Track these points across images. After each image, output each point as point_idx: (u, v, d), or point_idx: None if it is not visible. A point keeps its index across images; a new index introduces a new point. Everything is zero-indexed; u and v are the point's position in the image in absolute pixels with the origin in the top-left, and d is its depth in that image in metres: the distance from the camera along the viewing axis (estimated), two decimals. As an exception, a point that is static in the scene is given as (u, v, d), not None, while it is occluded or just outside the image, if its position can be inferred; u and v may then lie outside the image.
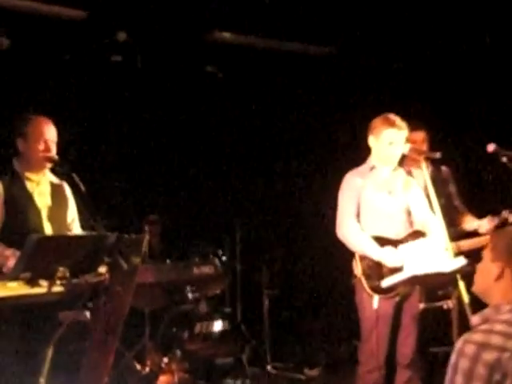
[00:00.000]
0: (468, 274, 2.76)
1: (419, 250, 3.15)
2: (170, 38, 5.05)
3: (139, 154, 5.42)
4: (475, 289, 1.84)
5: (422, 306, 3.30)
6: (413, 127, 3.79)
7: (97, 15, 4.59)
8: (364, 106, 4.79)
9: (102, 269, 2.64)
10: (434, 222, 3.28)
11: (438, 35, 4.88)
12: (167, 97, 5.46)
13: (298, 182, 5.72)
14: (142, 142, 5.44)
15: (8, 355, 2.65)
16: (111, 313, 2.68)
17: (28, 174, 2.87)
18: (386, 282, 3.17)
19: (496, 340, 1.60)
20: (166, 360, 4.36)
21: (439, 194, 3.83)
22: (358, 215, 3.33)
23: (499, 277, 1.72)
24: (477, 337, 1.62)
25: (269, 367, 4.92)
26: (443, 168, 3.95)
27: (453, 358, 1.62)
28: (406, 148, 3.33)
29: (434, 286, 3.36)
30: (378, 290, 3.19)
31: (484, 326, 1.66)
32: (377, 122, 3.34)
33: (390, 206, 3.33)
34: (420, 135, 3.84)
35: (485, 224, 3.64)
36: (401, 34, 4.96)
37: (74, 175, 2.77)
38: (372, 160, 3.39)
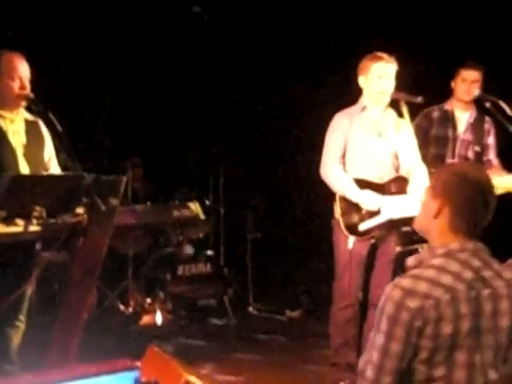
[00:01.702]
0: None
1: (399, 199, 3.19)
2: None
3: (122, 95, 5.35)
4: (415, 226, 1.82)
5: (397, 249, 3.35)
6: (467, 66, 3.78)
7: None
8: (359, 46, 4.70)
9: (80, 209, 2.65)
10: (420, 170, 3.28)
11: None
12: (151, 36, 5.34)
13: (283, 124, 5.68)
14: (125, 82, 5.36)
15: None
16: (89, 253, 2.71)
17: (1, 112, 2.81)
18: (363, 226, 3.22)
19: (422, 287, 1.59)
20: (148, 301, 4.46)
21: (475, 142, 3.86)
22: (343, 156, 3.35)
23: (437, 214, 1.70)
24: (405, 282, 1.61)
25: (250, 308, 5.03)
26: (487, 118, 3.90)
27: (381, 301, 1.63)
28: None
29: (410, 231, 3.40)
30: (354, 231, 3.24)
31: (415, 271, 1.65)
32: (364, 60, 3.36)
33: (377, 147, 3.34)
34: (472, 74, 3.79)
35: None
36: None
37: (50, 114, 2.72)
38: (364, 101, 3.38)
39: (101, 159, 4.77)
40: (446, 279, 1.60)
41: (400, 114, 3.41)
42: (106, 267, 3.08)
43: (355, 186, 3.26)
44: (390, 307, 1.60)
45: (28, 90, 2.77)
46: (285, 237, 5.69)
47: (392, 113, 3.43)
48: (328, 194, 3.40)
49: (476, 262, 1.65)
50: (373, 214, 3.22)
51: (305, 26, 5.38)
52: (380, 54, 3.31)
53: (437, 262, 1.65)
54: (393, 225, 3.22)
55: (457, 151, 3.83)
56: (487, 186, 1.70)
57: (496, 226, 1.98)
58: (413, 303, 1.58)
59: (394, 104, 3.42)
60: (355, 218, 3.26)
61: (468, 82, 3.79)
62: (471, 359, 1.59)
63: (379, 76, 3.28)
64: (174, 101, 5.54)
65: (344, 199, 3.29)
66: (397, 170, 3.39)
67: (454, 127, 3.85)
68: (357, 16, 5.18)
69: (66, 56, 5.00)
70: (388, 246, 3.32)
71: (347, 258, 3.22)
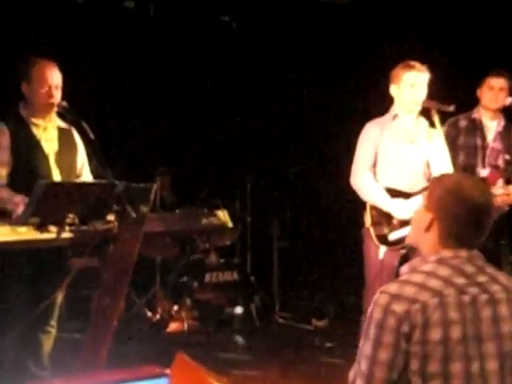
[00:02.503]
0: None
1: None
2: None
3: (152, 105, 5.39)
4: (408, 239, 1.80)
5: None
6: (493, 73, 3.75)
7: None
8: (386, 56, 4.68)
9: (111, 217, 2.67)
10: None
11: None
12: (180, 46, 5.39)
13: (312, 132, 5.66)
14: (154, 92, 5.40)
15: (20, 299, 2.72)
16: (120, 260, 2.72)
17: (34, 120, 2.85)
18: (393, 235, 3.19)
19: (409, 291, 1.55)
20: (175, 308, 4.47)
21: (505, 151, 3.81)
22: (374, 165, 3.34)
23: (428, 228, 1.66)
24: (392, 287, 1.58)
25: (277, 317, 5.00)
26: (508, 124, 3.88)
27: (370, 307, 1.60)
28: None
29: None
30: (385, 241, 3.21)
31: (404, 277, 1.62)
32: (396, 68, 3.35)
33: (409, 155, 3.31)
34: (499, 82, 3.76)
35: None
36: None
37: (83, 122, 2.76)
38: (395, 109, 3.37)
39: (129, 167, 4.80)
40: (435, 283, 1.56)
41: (432, 123, 3.38)
42: (134, 274, 3.11)
43: (386, 195, 3.23)
44: (377, 313, 1.56)
45: (55, 98, 2.81)
46: (312, 245, 5.66)
47: (423, 121, 3.40)
48: (358, 203, 3.38)
49: (469, 268, 1.61)
50: (404, 223, 3.18)
51: (336, 36, 5.38)
52: (412, 62, 3.30)
53: (427, 267, 1.62)
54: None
55: (486, 160, 3.78)
56: (481, 206, 1.63)
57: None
58: (399, 307, 1.54)
59: (426, 113, 3.40)
60: (386, 227, 3.23)
61: (495, 90, 3.75)
62: (468, 368, 1.53)
63: (411, 85, 3.26)
64: (202, 110, 5.56)
65: (375, 208, 3.27)
66: (428, 179, 3.35)
67: (483, 136, 3.80)
68: (387, 25, 5.15)
69: (99, 65, 5.07)
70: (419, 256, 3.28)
71: (378, 268, 3.19)
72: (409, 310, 1.53)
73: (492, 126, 3.82)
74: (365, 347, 1.58)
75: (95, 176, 3.02)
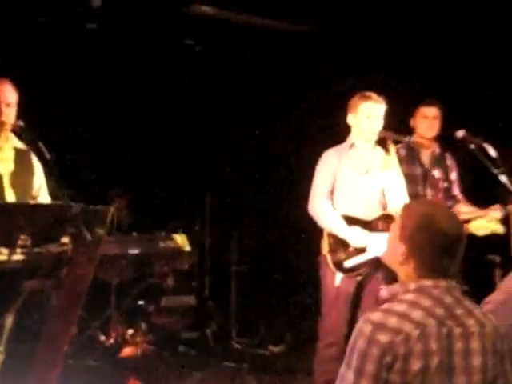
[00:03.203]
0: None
1: (386, 236, 3.19)
2: (147, 8, 4.97)
3: (111, 125, 5.36)
4: (383, 257, 1.82)
5: (383, 287, 3.35)
6: (427, 103, 3.85)
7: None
8: (343, 85, 4.78)
9: (66, 239, 2.63)
10: None
11: (419, 17, 4.88)
12: (143, 67, 5.38)
13: (271, 159, 5.71)
14: (114, 113, 5.37)
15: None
16: (73, 283, 2.68)
17: (-13, 140, 2.80)
18: (349, 263, 3.23)
19: (392, 321, 1.57)
20: (130, 332, 4.40)
21: (443, 179, 3.90)
22: (332, 192, 3.37)
23: (403, 262, 1.69)
24: (375, 317, 1.60)
25: (233, 343, 4.97)
26: (447, 154, 3.97)
27: (352, 336, 1.61)
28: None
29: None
30: (341, 268, 3.24)
31: (386, 306, 1.64)
32: (354, 98, 3.41)
33: (364, 185, 3.36)
34: (432, 111, 3.87)
35: (496, 214, 3.54)
36: (379, 16, 4.95)
37: (40, 143, 2.72)
38: (352, 138, 3.42)
39: (87, 189, 4.74)
40: (417, 314, 1.59)
41: (388, 153, 3.46)
42: (88, 296, 3.05)
43: (343, 223, 3.27)
44: (361, 342, 1.58)
45: (8, 117, 2.76)
46: (270, 270, 5.67)
47: (380, 151, 3.47)
48: (316, 230, 3.41)
49: (448, 299, 1.64)
50: (360, 250, 3.23)
51: (294, 64, 5.47)
52: (369, 93, 3.37)
53: (409, 297, 1.64)
54: (379, 262, 3.21)
55: (428, 189, 3.87)
56: (454, 236, 1.67)
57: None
58: (383, 338, 1.56)
59: (382, 142, 3.47)
60: (342, 254, 3.26)
61: (429, 119, 3.87)
62: None
63: (367, 116, 3.33)
64: (162, 132, 5.56)
65: (332, 235, 3.30)
66: (384, 207, 3.41)
67: (422, 164, 3.89)
68: (346, 55, 5.28)
69: (59, 85, 5.02)
70: (374, 284, 3.32)
71: (334, 295, 3.22)
72: (392, 341, 1.55)
73: (428, 154, 3.92)
74: (347, 375, 1.59)
75: (53, 198, 2.97)
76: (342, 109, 3.49)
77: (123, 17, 4.99)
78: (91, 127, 5.34)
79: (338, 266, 3.26)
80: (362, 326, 1.60)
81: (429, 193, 3.87)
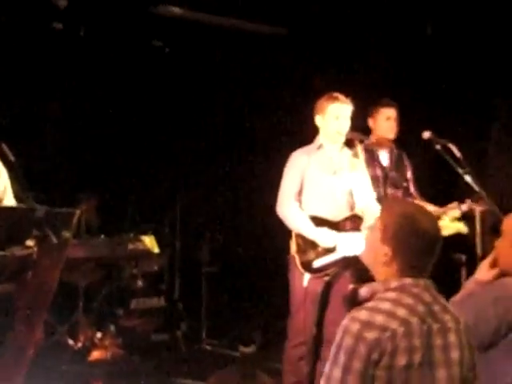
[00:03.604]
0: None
1: (354, 236, 3.23)
2: (114, 8, 4.92)
3: (78, 126, 5.29)
4: (361, 256, 1.84)
5: (351, 286, 3.38)
6: (388, 104, 3.88)
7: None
8: (313, 88, 4.81)
9: (31, 242, 2.60)
10: (374, 209, 3.34)
11: (382, 21, 4.94)
12: (110, 68, 5.33)
13: (242, 160, 5.71)
14: (81, 114, 5.30)
15: None
16: (38, 287, 2.65)
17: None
18: (317, 263, 3.25)
19: (379, 319, 1.61)
20: (99, 335, 4.35)
21: (402, 178, 3.95)
22: (299, 193, 3.38)
23: (387, 264, 1.72)
24: (362, 315, 1.63)
25: (204, 344, 4.96)
26: (403, 154, 4.02)
27: (338, 334, 1.64)
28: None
29: (365, 267, 3.44)
30: (309, 268, 3.26)
31: (371, 304, 1.67)
32: (321, 100, 3.43)
33: (332, 186, 3.39)
34: (393, 112, 3.91)
35: (454, 212, 3.62)
36: (345, 20, 5.00)
37: (3, 144, 2.68)
38: (320, 139, 3.44)
39: (54, 191, 4.68)
40: (402, 312, 1.63)
41: (355, 154, 3.49)
42: (55, 300, 3.01)
43: (311, 224, 3.29)
44: (348, 340, 1.61)
45: None
46: (240, 272, 5.67)
47: (347, 152, 3.50)
48: (284, 231, 3.42)
49: (427, 297, 1.68)
50: (328, 251, 3.25)
51: (263, 66, 5.48)
52: (336, 94, 3.40)
53: (391, 295, 1.68)
54: (347, 262, 3.25)
55: (388, 189, 3.92)
56: (435, 236, 1.73)
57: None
58: (370, 335, 1.59)
59: (349, 143, 3.51)
60: (311, 255, 3.29)
61: (392, 120, 3.91)
62: None
63: (335, 117, 3.36)
64: (131, 133, 5.51)
65: (300, 236, 3.32)
66: (351, 208, 3.44)
67: (381, 166, 3.94)
68: (315, 57, 5.31)
69: (24, 85, 4.94)
70: (342, 284, 3.35)
71: (302, 295, 3.24)
72: (379, 338, 1.59)
73: (386, 154, 3.97)
74: (334, 373, 1.61)
75: (19, 200, 2.93)
76: (310, 110, 3.51)
77: (90, 17, 4.94)
78: (58, 128, 5.27)
79: (306, 266, 3.28)
80: (349, 324, 1.63)
81: (389, 193, 3.92)
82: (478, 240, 3.44)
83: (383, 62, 5.15)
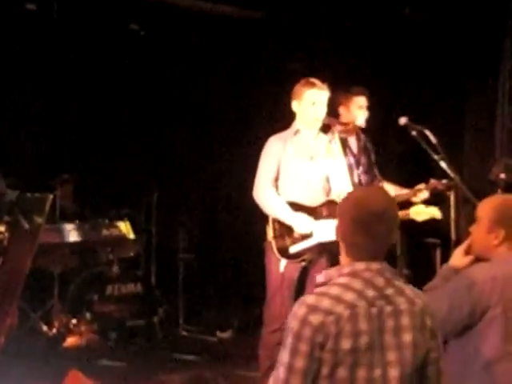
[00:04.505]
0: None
1: (330, 222, 3.23)
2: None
3: (53, 109, 5.20)
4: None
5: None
6: (360, 92, 3.86)
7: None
8: (290, 73, 4.79)
9: (1, 227, 2.55)
10: None
11: (361, 4, 4.92)
12: (85, 52, 5.24)
13: (218, 145, 5.68)
14: (56, 96, 5.21)
15: None
16: (9, 273, 2.60)
17: None
18: (293, 248, 3.26)
19: (325, 303, 1.63)
20: (74, 321, 4.31)
21: (370, 164, 3.96)
22: (276, 179, 3.37)
23: (341, 246, 1.76)
24: (310, 299, 1.66)
25: (181, 330, 4.95)
26: (367, 139, 4.03)
27: (288, 319, 1.68)
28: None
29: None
30: (285, 254, 3.27)
31: (321, 289, 1.70)
32: (298, 85, 3.41)
33: (309, 172, 3.38)
34: (365, 100, 3.89)
35: (423, 194, 3.63)
36: (321, 3, 4.97)
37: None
38: (296, 124, 3.43)
39: (28, 175, 4.60)
40: (349, 296, 1.65)
41: (331, 139, 3.49)
42: (29, 286, 2.97)
43: (288, 209, 3.29)
44: (295, 324, 1.64)
45: None
46: (217, 258, 5.66)
47: (324, 137, 3.49)
48: (261, 217, 3.41)
49: (380, 281, 1.70)
50: (305, 236, 3.25)
51: (239, 50, 5.44)
52: (313, 80, 3.38)
53: (342, 280, 1.70)
54: (323, 248, 3.26)
55: (361, 175, 3.93)
56: (378, 212, 1.70)
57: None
58: (315, 319, 1.62)
59: (325, 128, 3.50)
60: (287, 240, 3.28)
61: (364, 108, 3.90)
62: (371, 375, 1.63)
63: (312, 102, 3.34)
64: (107, 117, 5.43)
65: (277, 222, 3.31)
66: (328, 194, 3.44)
67: (352, 153, 3.95)
68: (291, 42, 5.28)
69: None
70: (318, 269, 3.35)
71: (278, 281, 3.24)
72: (324, 321, 1.61)
73: (354, 141, 3.97)
74: (283, 356, 1.65)
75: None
76: (287, 95, 3.49)
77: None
78: (34, 112, 5.17)
79: (283, 252, 3.27)
80: (297, 309, 1.66)
81: (363, 178, 3.93)
82: (452, 225, 3.47)
83: (359, 47, 5.14)
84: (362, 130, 3.99)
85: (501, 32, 4.73)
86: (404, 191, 3.78)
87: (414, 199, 3.66)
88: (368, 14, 4.96)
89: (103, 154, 5.38)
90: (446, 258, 2.56)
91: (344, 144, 3.86)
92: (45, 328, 4.23)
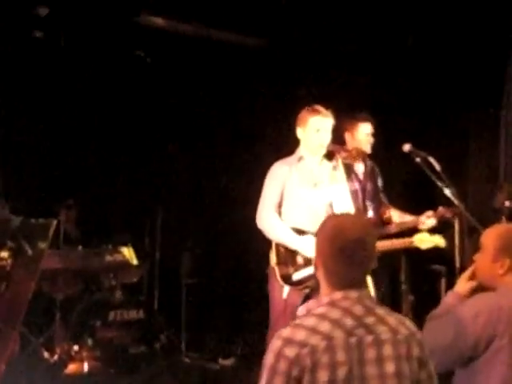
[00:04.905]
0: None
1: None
2: (96, 18, 4.90)
3: (59, 136, 5.24)
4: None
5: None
6: (366, 119, 3.90)
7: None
8: (294, 99, 4.83)
9: (5, 253, 2.55)
10: None
11: (365, 33, 4.97)
12: (92, 77, 5.30)
13: (223, 170, 5.69)
14: (62, 123, 5.25)
15: None
16: (12, 300, 2.59)
17: None
18: (296, 275, 3.24)
19: (300, 335, 1.59)
20: (76, 348, 4.28)
21: (376, 191, 3.96)
22: (280, 205, 3.37)
23: (318, 275, 1.75)
24: (285, 332, 1.62)
25: (183, 356, 4.90)
26: (374, 164, 4.05)
27: (266, 352, 1.64)
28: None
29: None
30: (288, 280, 3.25)
31: (297, 320, 1.66)
32: (302, 112, 3.44)
33: (312, 198, 3.39)
34: (371, 128, 3.93)
35: (430, 221, 3.63)
36: (326, 31, 5.02)
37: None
38: (300, 151, 3.44)
39: (32, 199, 4.61)
40: (325, 327, 1.61)
41: (335, 166, 3.50)
42: (31, 311, 2.95)
43: (292, 233, 3.28)
44: (270, 357, 1.60)
45: None
46: (220, 283, 5.63)
47: (328, 164, 3.50)
48: (264, 243, 3.40)
49: (358, 310, 1.66)
50: (308, 263, 3.24)
51: (245, 77, 5.48)
52: (317, 107, 3.41)
53: (320, 310, 1.67)
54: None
55: (366, 201, 3.93)
56: (355, 240, 1.67)
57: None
58: (290, 352, 1.58)
59: (330, 156, 3.51)
60: (290, 267, 3.27)
61: (370, 136, 3.93)
62: None
63: (317, 129, 3.36)
64: (112, 142, 5.47)
65: (280, 248, 3.30)
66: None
67: (358, 180, 3.95)
68: (296, 69, 5.33)
69: (5, 94, 4.88)
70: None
71: (282, 308, 3.22)
72: (299, 353, 1.57)
73: (361, 167, 3.99)
74: None
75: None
76: (291, 122, 3.52)
77: (71, 26, 4.91)
78: (38, 138, 5.21)
79: (286, 278, 3.26)
80: (273, 342, 1.63)
81: (368, 204, 3.93)
82: (456, 252, 3.46)
83: (364, 74, 5.18)
84: (369, 156, 4.00)
85: (503, 61, 4.77)
86: (411, 218, 3.78)
87: (421, 226, 3.66)
88: (373, 43, 5.01)
89: (107, 178, 5.40)
90: (450, 285, 2.54)
91: (349, 170, 3.87)
92: (46, 354, 4.20)
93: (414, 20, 4.80)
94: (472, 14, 4.67)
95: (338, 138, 3.59)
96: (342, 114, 3.69)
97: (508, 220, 3.94)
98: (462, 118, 5.20)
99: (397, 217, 3.93)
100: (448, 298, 2.35)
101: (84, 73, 5.25)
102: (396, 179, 4.21)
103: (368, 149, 3.93)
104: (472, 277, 2.33)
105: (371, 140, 3.93)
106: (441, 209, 3.63)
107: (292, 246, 3.27)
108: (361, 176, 3.96)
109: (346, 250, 1.67)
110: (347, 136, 3.95)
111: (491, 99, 4.93)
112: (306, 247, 3.23)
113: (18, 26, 4.71)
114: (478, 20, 4.67)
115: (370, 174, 3.99)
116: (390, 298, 4.07)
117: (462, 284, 2.34)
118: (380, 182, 4.04)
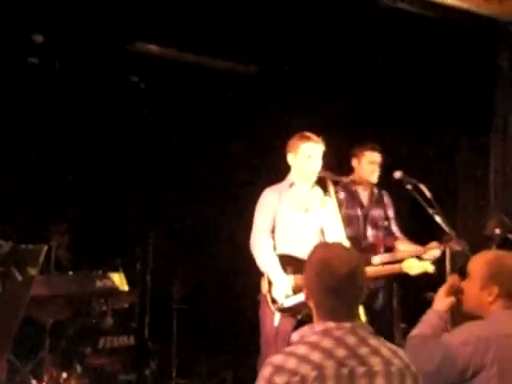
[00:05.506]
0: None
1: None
2: (91, 45, 4.95)
3: (51, 160, 5.25)
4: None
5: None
6: (373, 148, 3.93)
7: (14, 15, 4.43)
8: (286, 126, 4.87)
9: (-6, 279, 2.54)
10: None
11: (357, 61, 5.04)
12: (85, 103, 5.33)
13: (215, 197, 5.71)
14: (56, 147, 5.27)
15: None
16: (1, 324, 2.57)
17: None
18: (288, 302, 3.23)
19: (291, 363, 1.58)
20: (64, 375, 4.22)
21: (382, 218, 3.98)
22: (273, 231, 3.38)
23: (307, 300, 1.75)
24: (276, 359, 1.62)
25: (173, 383, 4.85)
26: (384, 192, 4.06)
27: (257, 379, 1.63)
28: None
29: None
30: (279, 307, 3.23)
31: (289, 348, 1.65)
32: (293, 139, 3.47)
33: (303, 224, 3.40)
34: (379, 157, 3.96)
35: (435, 252, 3.63)
36: (316, 58, 5.09)
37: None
38: (291, 177, 3.46)
39: (23, 224, 4.60)
40: (316, 356, 1.59)
41: (326, 192, 3.52)
42: (20, 338, 2.92)
43: (277, 266, 3.27)
44: None
45: None
46: (211, 310, 5.60)
47: (318, 190, 3.52)
48: (256, 269, 3.40)
49: (352, 340, 1.64)
50: (298, 291, 3.23)
51: (238, 103, 5.54)
52: (308, 134, 3.44)
53: (312, 339, 1.65)
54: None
55: (368, 229, 3.94)
56: (344, 275, 1.66)
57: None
58: (280, 380, 1.57)
59: (321, 182, 3.54)
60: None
61: (376, 164, 3.96)
62: None
63: (308, 156, 3.40)
64: (104, 167, 5.49)
65: (271, 275, 3.29)
66: (323, 246, 3.44)
67: (362, 206, 3.97)
68: (287, 96, 5.38)
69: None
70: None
71: (273, 334, 3.21)
72: (289, 381, 1.55)
73: (366, 194, 4.01)
74: None
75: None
76: (281, 148, 3.54)
77: (66, 52, 4.95)
78: (31, 163, 5.22)
79: (277, 305, 3.24)
80: (264, 369, 1.62)
81: (369, 232, 3.94)
82: (448, 279, 3.45)
83: (354, 100, 5.23)
84: (378, 185, 4.01)
85: (491, 88, 4.84)
86: (415, 248, 3.78)
87: (425, 256, 3.66)
88: (363, 70, 5.08)
89: (99, 204, 5.40)
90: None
91: (352, 195, 3.90)
92: (34, 382, 4.14)
93: (406, 52, 4.87)
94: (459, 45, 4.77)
95: (346, 163, 3.60)
96: (333, 141, 3.72)
97: (498, 247, 3.95)
98: (452, 146, 5.25)
99: (403, 247, 3.92)
100: (428, 317, 2.29)
101: (78, 98, 5.29)
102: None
103: (372, 177, 3.94)
104: (448, 293, 2.29)
105: (377, 169, 3.94)
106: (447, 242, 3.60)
107: (271, 279, 3.27)
108: (365, 203, 3.97)
109: (335, 287, 1.66)
110: (354, 162, 3.99)
111: (481, 127, 4.99)
112: (281, 288, 3.23)
113: (13, 53, 4.75)
114: (465, 50, 4.76)
115: (375, 201, 3.99)
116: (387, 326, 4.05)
117: (441, 301, 2.30)
118: (391, 212, 4.04)
